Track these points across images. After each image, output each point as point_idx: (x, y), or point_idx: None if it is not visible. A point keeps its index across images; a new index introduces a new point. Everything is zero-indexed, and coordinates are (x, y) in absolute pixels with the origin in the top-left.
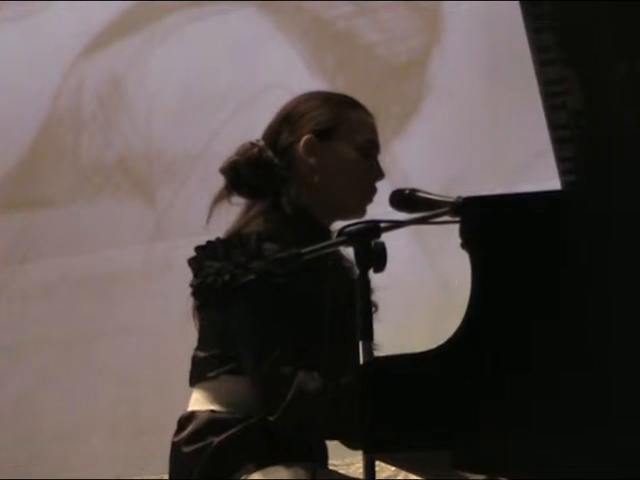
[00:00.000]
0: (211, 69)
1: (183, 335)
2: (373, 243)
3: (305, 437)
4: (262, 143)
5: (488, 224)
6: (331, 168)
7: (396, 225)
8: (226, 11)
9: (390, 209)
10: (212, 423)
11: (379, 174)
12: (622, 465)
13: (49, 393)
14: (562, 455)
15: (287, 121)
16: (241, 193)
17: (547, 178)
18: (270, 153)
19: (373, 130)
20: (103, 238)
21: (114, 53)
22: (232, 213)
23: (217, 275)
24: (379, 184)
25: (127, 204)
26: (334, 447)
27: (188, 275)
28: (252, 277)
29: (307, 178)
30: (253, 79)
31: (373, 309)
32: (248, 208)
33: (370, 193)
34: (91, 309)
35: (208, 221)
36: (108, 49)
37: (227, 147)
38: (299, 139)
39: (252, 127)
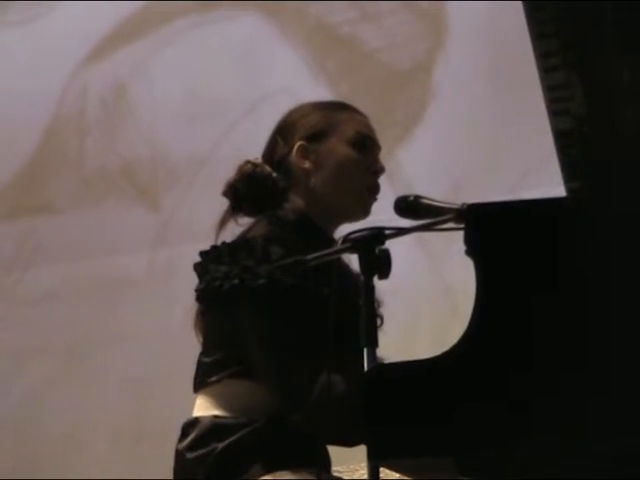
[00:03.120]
0: (215, 74)
1: (187, 341)
2: (377, 250)
3: (323, 439)
4: (258, 159)
5: (492, 231)
6: (326, 167)
7: (400, 232)
8: (230, 17)
9: (394, 216)
10: (215, 428)
11: (378, 168)
12: (622, 466)
13: (53, 398)
14: (565, 461)
15: (280, 133)
16: (244, 211)
17: (551, 184)
18: (266, 167)
19: (365, 125)
20: (107, 244)
21: (118, 58)
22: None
23: (224, 279)
24: (383, 190)
25: (131, 210)
26: (339, 453)
27: (192, 281)
28: (262, 281)
29: (305, 183)
30: (257, 85)
31: (379, 321)
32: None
33: (371, 189)
34: (95, 315)
35: (217, 241)
36: (112, 54)
37: (231, 152)
38: (292, 148)
39: (256, 132)
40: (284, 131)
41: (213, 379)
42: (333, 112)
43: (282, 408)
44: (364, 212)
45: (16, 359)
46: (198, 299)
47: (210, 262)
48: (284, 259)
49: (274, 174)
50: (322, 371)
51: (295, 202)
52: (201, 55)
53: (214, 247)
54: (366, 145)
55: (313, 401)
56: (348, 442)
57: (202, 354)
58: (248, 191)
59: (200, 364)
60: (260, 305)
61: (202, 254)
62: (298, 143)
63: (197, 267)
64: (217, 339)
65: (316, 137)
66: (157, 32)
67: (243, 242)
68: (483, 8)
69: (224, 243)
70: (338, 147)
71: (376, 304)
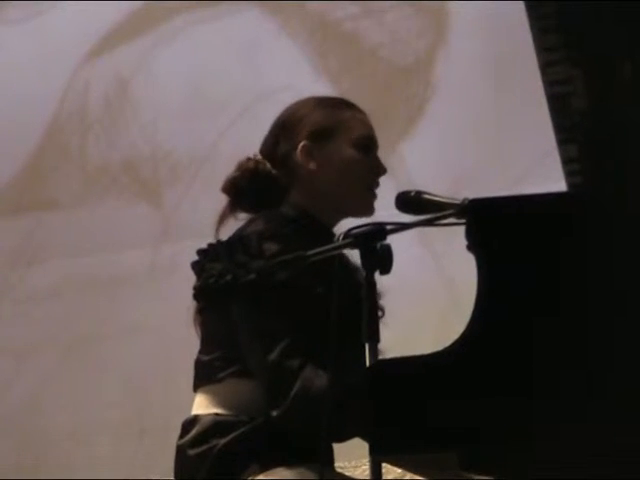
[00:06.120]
0: (217, 71)
1: (189, 337)
2: (379, 245)
3: (308, 436)
4: (259, 156)
5: (494, 226)
6: (330, 168)
7: (402, 227)
8: (232, 13)
9: (396, 211)
10: (216, 426)
11: (380, 169)
12: (622, 465)
13: (55, 394)
14: (566, 457)
15: (283, 130)
16: (244, 208)
17: (553, 179)
18: (267, 165)
19: (368, 126)
20: (109, 240)
21: (120, 55)
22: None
23: (219, 276)
24: (385, 185)
25: (133, 206)
26: (341, 449)
27: (194, 277)
28: (253, 276)
29: (308, 182)
30: (259, 81)
31: (380, 313)
32: None
33: (372, 188)
34: (97, 311)
35: (217, 236)
36: (114, 51)
37: (233, 149)
38: (296, 146)
39: (258, 129)
40: (287, 128)
41: (212, 378)
42: (336, 110)
43: (266, 403)
44: (368, 212)
45: (18, 355)
46: (195, 297)
47: (207, 260)
48: (281, 255)
49: (274, 171)
50: (305, 367)
51: (296, 199)
52: (203, 52)
53: (210, 245)
54: (369, 147)
55: (291, 397)
56: (335, 438)
57: (200, 352)
58: (248, 188)
59: (199, 362)
60: (249, 300)
61: (199, 252)
62: (302, 142)
63: (194, 265)
64: (215, 337)
65: (321, 136)
66: (159, 29)
67: (238, 239)
68: (484, 4)
69: (220, 241)
70: (343, 149)
71: (376, 293)
